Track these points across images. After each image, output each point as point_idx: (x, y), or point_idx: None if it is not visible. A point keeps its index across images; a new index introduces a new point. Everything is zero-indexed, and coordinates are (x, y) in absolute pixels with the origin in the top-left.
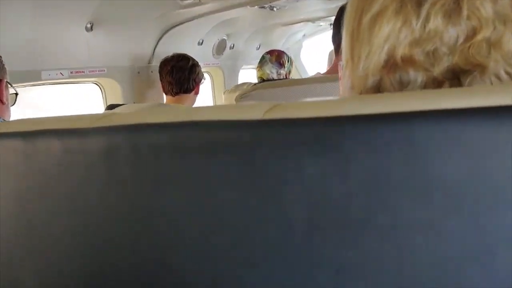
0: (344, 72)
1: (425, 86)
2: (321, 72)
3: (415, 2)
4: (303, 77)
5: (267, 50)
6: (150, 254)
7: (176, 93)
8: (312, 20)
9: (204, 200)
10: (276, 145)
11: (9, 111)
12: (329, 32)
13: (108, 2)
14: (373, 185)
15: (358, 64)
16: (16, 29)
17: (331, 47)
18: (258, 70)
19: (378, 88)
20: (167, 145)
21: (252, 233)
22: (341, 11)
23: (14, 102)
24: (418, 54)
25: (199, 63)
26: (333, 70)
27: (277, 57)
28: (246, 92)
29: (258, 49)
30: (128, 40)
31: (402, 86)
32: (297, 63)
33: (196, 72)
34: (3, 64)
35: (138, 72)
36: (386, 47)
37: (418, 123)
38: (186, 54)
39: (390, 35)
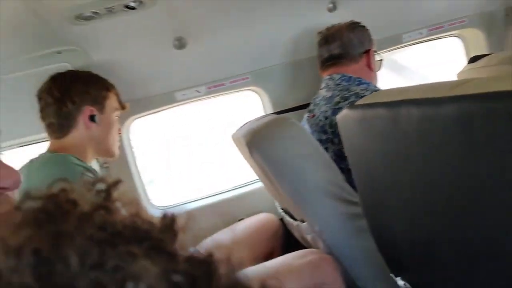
0: None
1: None
2: None
3: None
4: None
5: None
6: (495, 216)
7: None
8: None
9: None
10: None
11: (376, 76)
12: None
13: None
14: None
15: None
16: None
17: None
18: None
19: None
20: None
21: None
22: None
23: (379, 68)
24: None
25: None
26: None
27: None
28: None
29: None
30: None
31: None
32: None
33: None
34: (370, 36)
35: (507, 15)
36: None
37: None
38: None
39: None
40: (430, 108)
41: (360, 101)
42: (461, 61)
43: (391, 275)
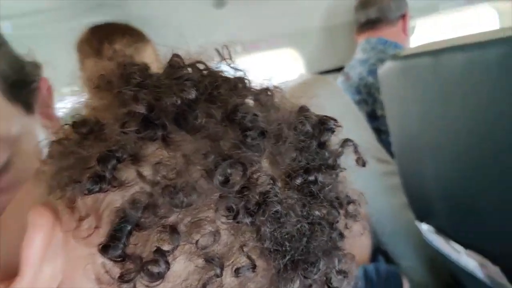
0: None
1: None
2: None
3: None
4: None
5: None
6: None
7: None
8: None
9: None
10: None
11: (409, 42)
12: None
13: None
14: None
15: None
16: None
17: None
18: None
19: None
20: None
21: None
22: None
23: (412, 33)
24: None
25: None
26: None
27: None
28: None
29: None
30: None
31: None
32: None
33: None
34: (406, 0)
35: None
36: None
37: None
38: None
39: None
40: (475, 52)
41: (403, 52)
42: None
43: (416, 222)
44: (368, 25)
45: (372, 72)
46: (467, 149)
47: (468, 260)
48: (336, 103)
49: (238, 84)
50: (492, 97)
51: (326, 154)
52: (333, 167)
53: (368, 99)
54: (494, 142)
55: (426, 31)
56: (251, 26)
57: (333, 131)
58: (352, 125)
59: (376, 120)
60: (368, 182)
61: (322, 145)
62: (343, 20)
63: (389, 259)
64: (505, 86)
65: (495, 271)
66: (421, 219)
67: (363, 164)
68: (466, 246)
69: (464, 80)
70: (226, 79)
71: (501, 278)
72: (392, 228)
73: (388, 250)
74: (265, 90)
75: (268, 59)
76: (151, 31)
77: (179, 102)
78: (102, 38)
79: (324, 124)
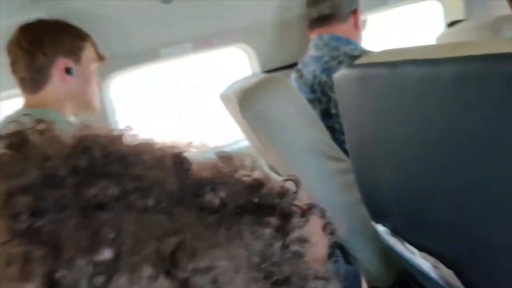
0: None
1: None
2: None
3: None
4: None
5: None
6: (493, 174)
7: None
8: None
9: None
10: None
11: (361, 36)
12: None
13: None
14: None
15: None
16: None
17: None
18: None
19: None
20: None
21: None
22: None
23: (364, 28)
24: None
25: None
26: None
27: None
28: None
29: None
30: None
31: None
32: None
33: None
34: None
35: None
36: None
37: None
38: None
39: None
40: (429, 68)
41: (360, 61)
42: (440, 26)
43: (372, 222)
44: (320, 21)
45: (326, 70)
46: (419, 158)
47: (422, 261)
48: (290, 103)
49: (177, 201)
50: (443, 112)
51: (293, 248)
52: (301, 255)
53: (322, 97)
54: (444, 153)
55: (377, 26)
56: (201, 22)
57: (300, 227)
58: (306, 124)
59: (330, 118)
60: (322, 180)
61: (287, 246)
62: (296, 14)
63: (345, 252)
64: (456, 104)
65: (448, 273)
66: (377, 220)
67: (332, 233)
68: (420, 248)
69: (418, 94)
70: (160, 187)
71: (454, 280)
72: (348, 224)
73: (344, 244)
74: (213, 192)
75: (219, 56)
76: (93, 27)
77: (90, 267)
78: (32, 38)
79: (289, 224)
